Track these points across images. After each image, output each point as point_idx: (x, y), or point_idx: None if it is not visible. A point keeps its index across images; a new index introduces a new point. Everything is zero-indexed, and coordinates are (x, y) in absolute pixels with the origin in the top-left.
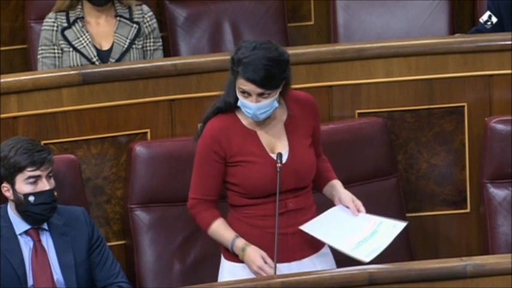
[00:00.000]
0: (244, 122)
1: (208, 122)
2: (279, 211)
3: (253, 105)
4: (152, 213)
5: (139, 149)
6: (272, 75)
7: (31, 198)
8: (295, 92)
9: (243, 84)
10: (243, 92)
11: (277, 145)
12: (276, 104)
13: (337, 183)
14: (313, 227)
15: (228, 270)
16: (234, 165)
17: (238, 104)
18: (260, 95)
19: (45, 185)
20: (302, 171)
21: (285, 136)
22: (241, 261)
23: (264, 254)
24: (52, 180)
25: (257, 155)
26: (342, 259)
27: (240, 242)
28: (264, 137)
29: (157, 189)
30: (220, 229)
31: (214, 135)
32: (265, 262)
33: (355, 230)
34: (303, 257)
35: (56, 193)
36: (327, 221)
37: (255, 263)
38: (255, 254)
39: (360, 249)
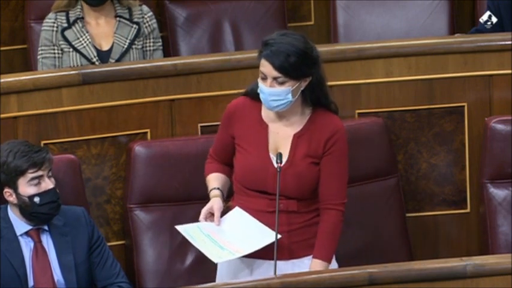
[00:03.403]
0: (263, 113)
1: (238, 98)
2: (271, 209)
3: (267, 90)
4: (152, 213)
5: (139, 149)
6: (290, 62)
7: (37, 199)
8: (330, 116)
9: (262, 64)
10: (262, 74)
11: (281, 149)
12: (291, 98)
13: (312, 264)
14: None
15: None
16: (237, 147)
17: (258, 89)
18: (275, 79)
19: (48, 184)
20: (285, 186)
21: (289, 145)
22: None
23: (216, 207)
24: (53, 179)
25: (256, 147)
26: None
27: (213, 193)
28: (273, 134)
29: (157, 189)
30: (211, 179)
31: (230, 111)
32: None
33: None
34: (299, 257)
35: (57, 190)
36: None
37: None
38: (207, 205)
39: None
